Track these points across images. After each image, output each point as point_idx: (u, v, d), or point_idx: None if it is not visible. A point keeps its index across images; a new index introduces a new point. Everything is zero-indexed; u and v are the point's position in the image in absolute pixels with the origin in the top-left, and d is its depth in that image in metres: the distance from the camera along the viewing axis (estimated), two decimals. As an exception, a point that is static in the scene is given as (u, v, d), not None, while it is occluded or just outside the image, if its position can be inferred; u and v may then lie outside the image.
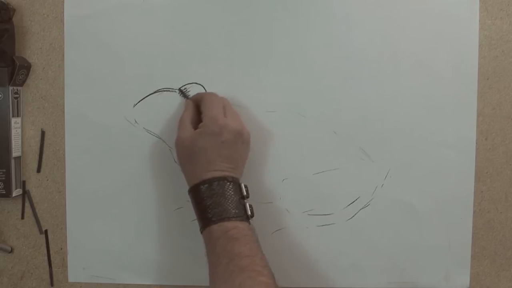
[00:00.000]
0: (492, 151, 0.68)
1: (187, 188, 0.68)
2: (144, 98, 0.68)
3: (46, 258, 0.70)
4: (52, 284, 0.70)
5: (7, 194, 0.67)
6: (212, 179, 0.58)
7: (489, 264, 0.68)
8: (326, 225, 0.68)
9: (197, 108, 0.64)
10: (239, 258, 0.54)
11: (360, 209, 0.68)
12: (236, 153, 0.60)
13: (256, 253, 0.56)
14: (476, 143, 0.67)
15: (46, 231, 0.70)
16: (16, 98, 0.68)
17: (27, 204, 0.70)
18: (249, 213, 0.59)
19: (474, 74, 0.67)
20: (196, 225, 0.68)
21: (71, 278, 0.70)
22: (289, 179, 0.68)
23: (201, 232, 0.59)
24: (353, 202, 0.68)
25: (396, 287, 0.68)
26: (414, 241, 0.68)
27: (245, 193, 0.60)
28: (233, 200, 0.58)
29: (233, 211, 0.57)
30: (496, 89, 0.67)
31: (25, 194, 0.69)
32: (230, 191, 0.58)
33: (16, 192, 0.68)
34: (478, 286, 0.68)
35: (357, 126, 0.67)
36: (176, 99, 0.67)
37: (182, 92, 0.66)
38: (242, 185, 0.60)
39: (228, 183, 0.58)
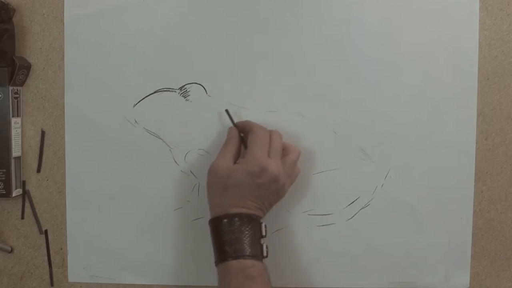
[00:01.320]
0: (492, 151, 0.68)
1: (187, 188, 0.68)
2: (144, 98, 0.68)
3: (46, 258, 0.70)
4: (52, 284, 0.70)
5: (7, 194, 0.67)
6: (236, 214, 0.58)
7: (489, 264, 0.68)
8: (326, 225, 0.68)
9: (240, 136, 0.64)
10: None
11: (360, 209, 0.68)
12: (267, 196, 0.60)
13: None
14: (476, 143, 0.67)
15: (46, 231, 0.70)
16: (16, 98, 0.68)
17: (27, 204, 0.70)
18: (265, 254, 0.59)
19: (474, 74, 0.67)
20: (196, 225, 0.68)
21: (71, 278, 0.70)
22: (289, 179, 0.68)
23: (216, 265, 0.59)
24: (353, 202, 0.68)
25: (396, 287, 0.68)
26: (414, 241, 0.68)
27: (264, 233, 0.60)
28: (252, 239, 0.58)
29: (251, 249, 0.58)
30: (496, 89, 0.67)
31: (25, 194, 0.69)
32: (251, 229, 0.58)
33: (16, 192, 0.68)
34: (478, 286, 0.68)
35: (357, 126, 0.67)
36: (176, 99, 0.67)
37: (228, 114, 0.65)
38: (263, 225, 0.60)
39: (251, 222, 0.59)
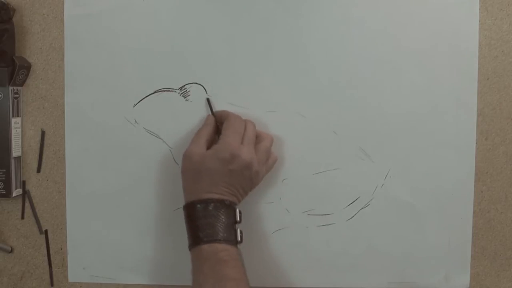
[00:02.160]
0: (492, 151, 0.68)
1: (187, 188, 0.68)
2: (144, 98, 0.68)
3: (46, 258, 0.70)
4: (52, 284, 0.70)
5: (7, 194, 0.67)
6: (209, 200, 0.59)
7: (489, 264, 0.68)
8: (326, 225, 0.68)
9: (217, 125, 0.65)
10: (226, 280, 0.56)
11: (360, 209, 0.68)
12: (240, 183, 0.61)
13: (242, 277, 0.57)
14: (476, 143, 0.67)
15: (46, 231, 0.70)
16: (16, 98, 0.68)
17: (27, 204, 0.70)
18: (239, 239, 0.60)
19: (474, 74, 0.67)
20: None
21: (71, 278, 0.70)
22: (289, 179, 0.68)
23: (190, 249, 0.60)
24: (353, 202, 0.68)
25: (396, 287, 0.68)
26: (414, 241, 0.68)
27: (238, 219, 0.60)
28: (226, 224, 0.59)
29: (224, 234, 0.58)
30: (496, 89, 0.67)
31: (25, 194, 0.69)
32: (224, 215, 0.59)
33: (16, 192, 0.68)
34: (478, 286, 0.68)
35: (357, 126, 0.67)
36: (176, 99, 0.67)
37: (209, 103, 0.66)
38: (237, 210, 0.60)
39: (224, 207, 0.59)
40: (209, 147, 0.62)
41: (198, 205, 0.59)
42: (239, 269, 0.57)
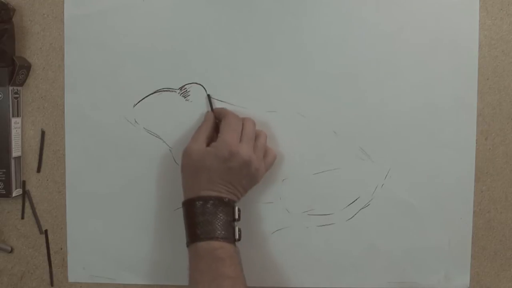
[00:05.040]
0: (492, 151, 0.68)
1: (187, 188, 0.68)
2: (144, 98, 0.68)
3: (46, 258, 0.70)
4: (52, 284, 0.70)
5: (7, 194, 0.67)
6: (208, 197, 0.59)
7: (489, 264, 0.68)
8: (326, 225, 0.68)
9: (216, 123, 0.65)
10: (222, 279, 0.56)
11: (360, 209, 0.68)
12: (239, 180, 0.61)
13: (239, 275, 0.57)
14: (476, 143, 0.67)
15: (46, 231, 0.70)
16: (16, 98, 0.68)
17: (27, 204, 0.70)
18: (237, 236, 0.60)
19: (474, 74, 0.67)
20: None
21: (71, 278, 0.70)
22: (289, 179, 0.68)
23: (187, 246, 0.60)
24: (353, 202, 0.68)
25: (396, 287, 0.68)
26: (414, 241, 0.68)
27: (236, 217, 0.60)
28: (224, 221, 0.59)
29: (222, 232, 0.58)
30: (496, 89, 0.67)
31: (25, 194, 0.69)
32: (223, 212, 0.59)
33: (16, 192, 0.68)
34: (478, 286, 0.68)
35: (357, 126, 0.67)
36: (176, 99, 0.67)
37: (209, 99, 0.66)
38: (236, 208, 0.60)
39: (223, 204, 0.59)
40: (208, 144, 0.62)
41: (197, 202, 0.59)
42: (236, 267, 0.57)
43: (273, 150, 0.65)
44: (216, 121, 0.65)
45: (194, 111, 0.67)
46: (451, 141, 0.67)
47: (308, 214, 0.67)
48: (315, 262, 0.68)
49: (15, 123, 0.68)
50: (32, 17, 0.68)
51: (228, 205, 0.60)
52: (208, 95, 0.67)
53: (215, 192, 0.59)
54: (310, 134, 0.67)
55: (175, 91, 0.67)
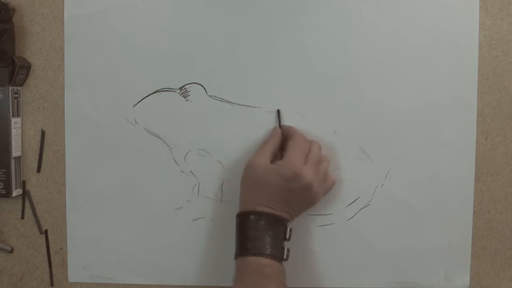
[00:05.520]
0: (492, 151, 0.68)
1: (187, 188, 0.68)
2: (144, 98, 0.68)
3: (46, 258, 0.70)
4: (52, 284, 0.70)
5: (7, 194, 0.67)
6: (263, 213, 0.59)
7: (489, 264, 0.68)
8: (326, 225, 0.68)
9: (283, 140, 0.65)
10: None
11: (360, 209, 0.68)
12: (297, 202, 0.61)
13: None
14: (476, 143, 0.67)
15: (46, 231, 0.70)
16: (16, 98, 0.68)
17: (27, 204, 0.70)
18: (285, 256, 0.60)
19: (474, 74, 0.67)
20: (196, 225, 0.68)
21: (71, 278, 0.70)
22: (289, 179, 0.68)
23: (235, 258, 0.60)
24: (353, 202, 0.68)
25: (396, 287, 0.68)
26: (414, 241, 0.68)
27: (287, 236, 0.61)
28: (275, 239, 0.59)
29: (272, 249, 0.58)
30: (496, 89, 0.67)
31: (25, 194, 0.69)
32: (275, 230, 0.59)
33: (16, 192, 0.68)
34: (478, 286, 0.68)
35: (357, 126, 0.67)
36: (176, 99, 0.67)
37: (278, 115, 0.66)
38: (288, 228, 0.61)
39: (276, 223, 0.59)
40: (273, 160, 0.62)
41: (251, 216, 0.59)
42: (280, 285, 0.58)
43: (332, 176, 0.65)
44: (282, 138, 0.65)
45: (194, 111, 0.67)
46: (451, 141, 0.67)
47: (308, 214, 0.67)
48: (315, 262, 0.68)
49: (15, 123, 0.68)
50: (32, 17, 0.68)
51: (281, 224, 0.60)
52: (278, 111, 0.66)
53: (270, 210, 0.59)
54: (310, 134, 0.67)
55: (175, 91, 0.67)
